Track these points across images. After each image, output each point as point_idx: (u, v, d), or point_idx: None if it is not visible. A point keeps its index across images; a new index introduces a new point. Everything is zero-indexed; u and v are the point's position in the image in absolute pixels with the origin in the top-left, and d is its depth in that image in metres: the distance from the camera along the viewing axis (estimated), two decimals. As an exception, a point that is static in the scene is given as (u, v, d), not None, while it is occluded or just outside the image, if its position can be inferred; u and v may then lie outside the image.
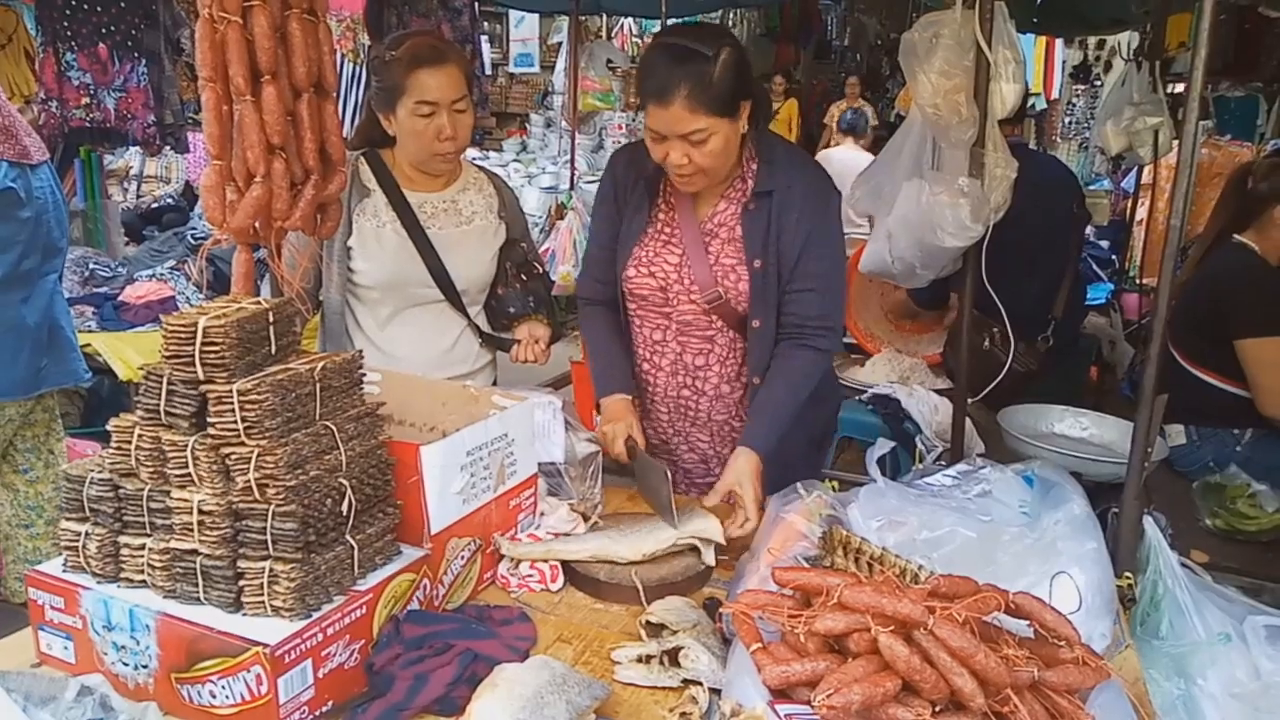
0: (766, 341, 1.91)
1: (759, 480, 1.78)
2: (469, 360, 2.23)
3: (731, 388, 2.00)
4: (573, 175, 6.52)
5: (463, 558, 1.52)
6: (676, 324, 1.97)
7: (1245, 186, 2.98)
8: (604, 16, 9.66)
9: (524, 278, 2.23)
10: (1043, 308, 3.24)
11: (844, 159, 5.97)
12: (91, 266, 4.26)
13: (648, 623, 1.41)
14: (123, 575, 1.29)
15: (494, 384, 2.27)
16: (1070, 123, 11.75)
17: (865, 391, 3.12)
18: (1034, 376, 3.03)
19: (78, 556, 1.30)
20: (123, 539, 1.28)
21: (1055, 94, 11.30)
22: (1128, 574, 1.64)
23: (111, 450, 1.29)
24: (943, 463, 2.31)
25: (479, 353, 2.26)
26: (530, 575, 1.60)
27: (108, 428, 1.29)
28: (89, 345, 3.41)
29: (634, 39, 10.87)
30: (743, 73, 1.75)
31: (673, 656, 1.32)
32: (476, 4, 4.91)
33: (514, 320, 2.22)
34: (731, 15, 8.69)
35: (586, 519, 1.76)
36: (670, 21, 5.00)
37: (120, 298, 3.95)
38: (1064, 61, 11.14)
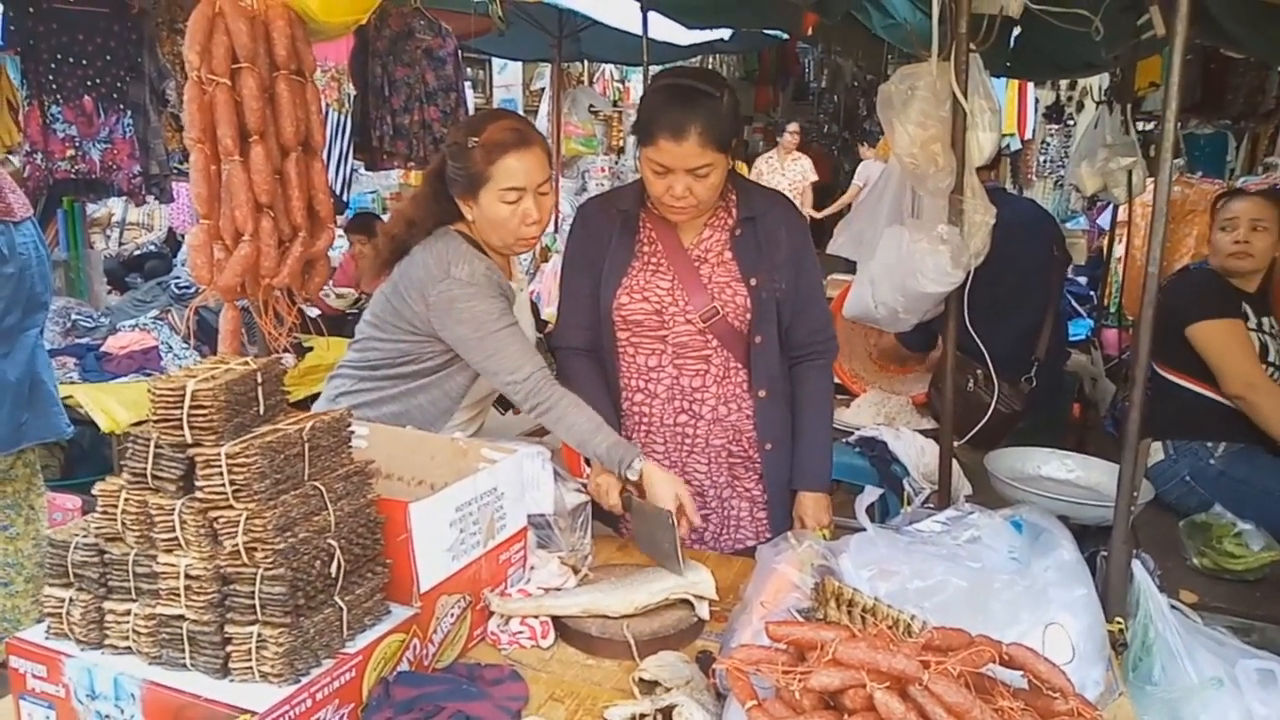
0: (769, 356, 2.03)
1: (828, 510, 2.08)
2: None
3: (728, 409, 2.04)
4: (557, 219, 6.58)
5: (452, 615, 1.50)
6: (672, 346, 2.02)
7: None
8: (585, 63, 9.79)
9: None
10: (1025, 348, 3.26)
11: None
12: (74, 317, 4.23)
13: (641, 679, 1.40)
14: (107, 641, 1.27)
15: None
16: (1045, 161, 11.94)
17: (852, 434, 3.12)
18: (1018, 417, 3.06)
19: (61, 623, 1.28)
20: (108, 604, 1.27)
21: (1029, 134, 11.50)
22: (1118, 618, 1.64)
23: (97, 515, 1.28)
24: (931, 505, 2.31)
25: None
26: (521, 632, 1.58)
27: (94, 493, 1.28)
28: (70, 397, 3.38)
29: (615, 84, 11.02)
30: (738, 114, 1.93)
31: (666, 714, 1.31)
32: (460, 52, 4.96)
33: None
34: (711, 59, 8.84)
35: (577, 571, 1.75)
36: (653, 69, 5.08)
37: (103, 348, 3.91)
38: (1036, 101, 11.36)
